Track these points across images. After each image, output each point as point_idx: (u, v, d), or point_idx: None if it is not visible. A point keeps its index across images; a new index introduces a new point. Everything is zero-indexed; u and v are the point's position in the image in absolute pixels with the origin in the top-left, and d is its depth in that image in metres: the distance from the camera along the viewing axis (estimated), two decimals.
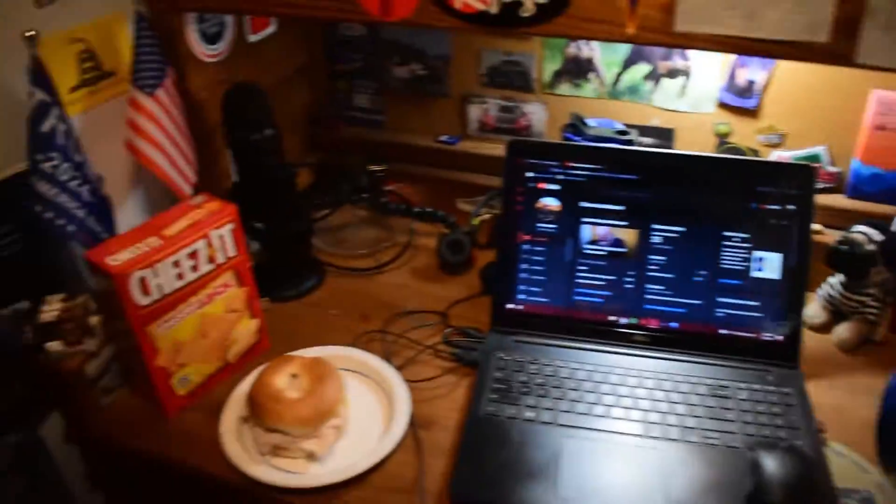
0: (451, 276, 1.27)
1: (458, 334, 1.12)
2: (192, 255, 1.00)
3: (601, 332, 1.10)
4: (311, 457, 0.94)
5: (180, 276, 0.98)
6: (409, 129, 1.47)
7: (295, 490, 0.90)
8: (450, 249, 1.25)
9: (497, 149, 1.38)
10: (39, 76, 0.92)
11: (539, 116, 1.38)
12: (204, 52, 1.14)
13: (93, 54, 1.06)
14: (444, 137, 1.43)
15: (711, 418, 1.00)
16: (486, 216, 1.34)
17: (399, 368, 1.05)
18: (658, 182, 1.11)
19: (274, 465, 0.93)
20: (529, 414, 1.01)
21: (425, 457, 0.93)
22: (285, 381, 0.97)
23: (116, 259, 0.94)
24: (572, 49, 1.30)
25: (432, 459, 0.92)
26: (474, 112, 1.41)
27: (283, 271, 1.21)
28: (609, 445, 0.95)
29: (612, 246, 1.13)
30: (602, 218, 1.13)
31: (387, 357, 1.09)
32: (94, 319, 1.01)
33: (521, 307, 1.17)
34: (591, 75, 1.32)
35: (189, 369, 1.02)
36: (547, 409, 1.01)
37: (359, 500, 0.90)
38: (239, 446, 0.96)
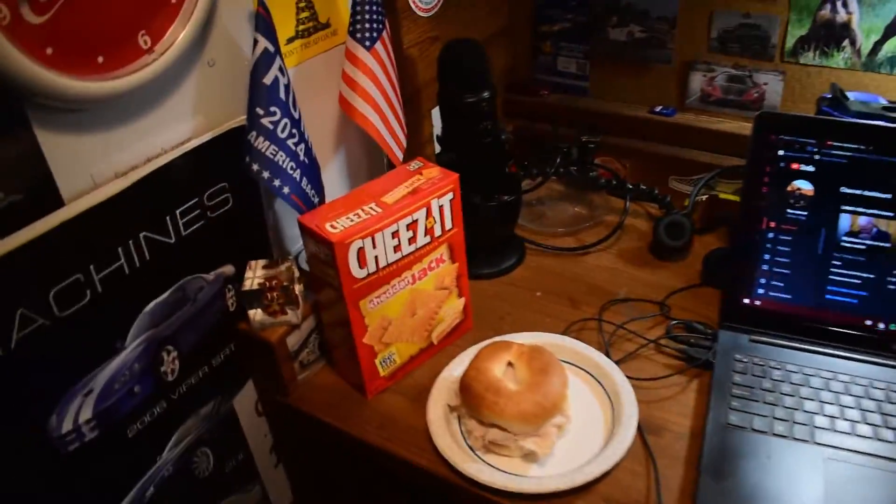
0: (665, 262, 1.16)
1: (683, 329, 1.01)
2: (411, 225, 0.91)
3: (855, 338, 0.97)
4: (529, 457, 0.86)
5: (397, 249, 0.90)
6: (618, 98, 1.34)
7: (514, 494, 0.81)
8: (668, 232, 1.13)
9: (721, 123, 1.24)
10: (264, 23, 0.85)
11: (774, 88, 1.22)
12: (420, 4, 1.05)
13: (310, 3, 0.98)
14: (659, 108, 1.29)
15: None
16: (703, 198, 1.19)
17: (618, 363, 0.95)
18: None
19: (489, 463, 0.85)
20: (780, 428, 0.88)
21: (660, 467, 0.83)
22: (502, 369, 0.89)
23: (335, 226, 0.86)
24: (825, 11, 1.13)
25: (666, 471, 0.83)
26: (697, 81, 1.26)
27: (483, 246, 1.12)
28: (880, 472, 0.82)
29: (874, 239, 0.98)
30: (865, 206, 0.97)
31: (606, 350, 0.98)
32: (298, 289, 0.95)
33: (758, 303, 1.03)
34: (844, 43, 1.14)
35: (393, 349, 0.95)
36: (801, 423, 0.88)
37: None
38: (449, 438, 0.88)
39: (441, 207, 0.93)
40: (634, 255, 1.18)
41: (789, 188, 1.00)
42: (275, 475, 1.12)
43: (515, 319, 1.05)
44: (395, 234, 0.88)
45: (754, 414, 0.88)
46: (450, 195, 0.94)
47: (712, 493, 0.80)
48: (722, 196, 1.17)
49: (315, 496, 1.17)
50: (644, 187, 1.19)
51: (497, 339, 0.97)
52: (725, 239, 1.17)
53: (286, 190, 0.91)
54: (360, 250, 0.85)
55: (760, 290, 1.03)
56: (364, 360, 0.92)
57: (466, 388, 0.87)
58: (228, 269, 0.97)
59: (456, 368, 0.95)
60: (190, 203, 0.88)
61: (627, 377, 0.92)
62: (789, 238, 1.01)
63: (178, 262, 0.88)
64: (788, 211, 1.01)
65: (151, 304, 0.85)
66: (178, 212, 0.86)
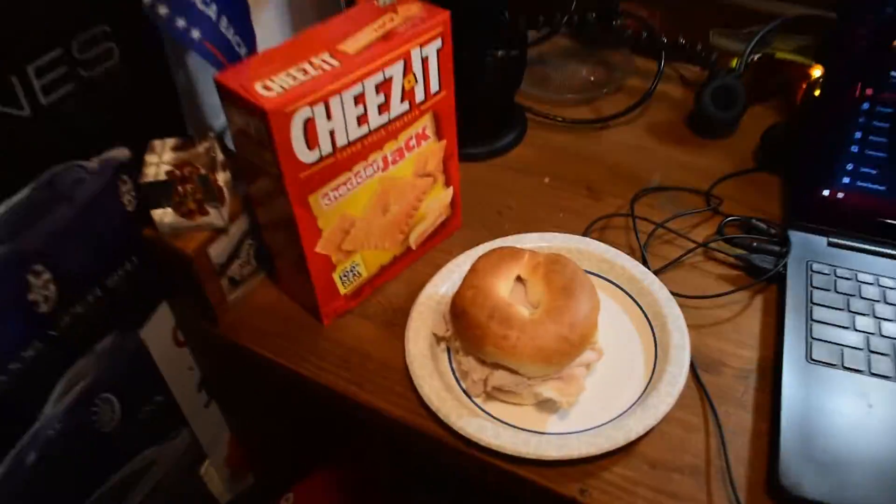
0: (708, 141, 0.97)
1: (740, 228, 0.84)
2: (383, 86, 0.66)
3: None
4: (547, 405, 0.69)
5: (363, 121, 0.67)
6: None
7: (528, 461, 0.65)
8: (715, 101, 0.94)
9: None
10: None
11: None
12: None
13: None
14: None
15: None
16: (755, 57, 0.97)
17: (657, 274, 0.78)
18: None
19: (492, 416, 0.69)
20: (882, 366, 0.69)
21: (721, 417, 0.68)
22: (509, 287, 0.71)
23: (270, 88, 0.61)
24: None
25: (730, 422, 0.68)
26: None
27: (474, 117, 0.92)
28: None
29: None
30: None
31: (642, 256, 0.82)
32: (222, 178, 0.72)
33: (841, 196, 0.82)
34: None
35: (358, 258, 0.76)
36: None
37: (624, 483, 0.65)
38: (438, 381, 0.70)
39: (425, 61, 0.68)
40: (668, 130, 1.00)
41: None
42: (206, 416, 0.93)
43: (518, 215, 0.88)
44: (358, 100, 0.65)
45: (845, 346, 0.70)
46: (437, 42, 0.68)
47: (797, 456, 0.63)
48: (780, 56, 0.98)
49: (262, 435, 1.02)
50: (683, 41, 0.96)
51: (499, 243, 0.80)
52: (783, 111, 0.99)
53: (195, 34, 0.65)
54: (309, 123, 0.62)
55: (845, 180, 0.82)
56: (317, 274, 0.73)
57: (462, 315, 0.68)
58: (121, 152, 0.72)
59: (443, 284, 0.78)
60: (50, 56, 0.61)
61: (673, 293, 0.75)
62: (891, 111, 0.77)
63: (38, 144, 0.62)
64: (894, 74, 0.76)
65: (1, 208, 0.59)
66: (30, 69, 0.59)
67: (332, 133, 0.65)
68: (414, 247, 0.82)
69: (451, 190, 0.82)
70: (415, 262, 0.83)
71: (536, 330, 0.66)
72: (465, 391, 0.70)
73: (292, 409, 0.98)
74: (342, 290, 0.76)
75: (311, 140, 0.63)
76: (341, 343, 0.76)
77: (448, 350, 0.73)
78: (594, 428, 0.66)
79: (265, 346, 0.76)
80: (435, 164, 0.77)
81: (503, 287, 0.69)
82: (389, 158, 0.72)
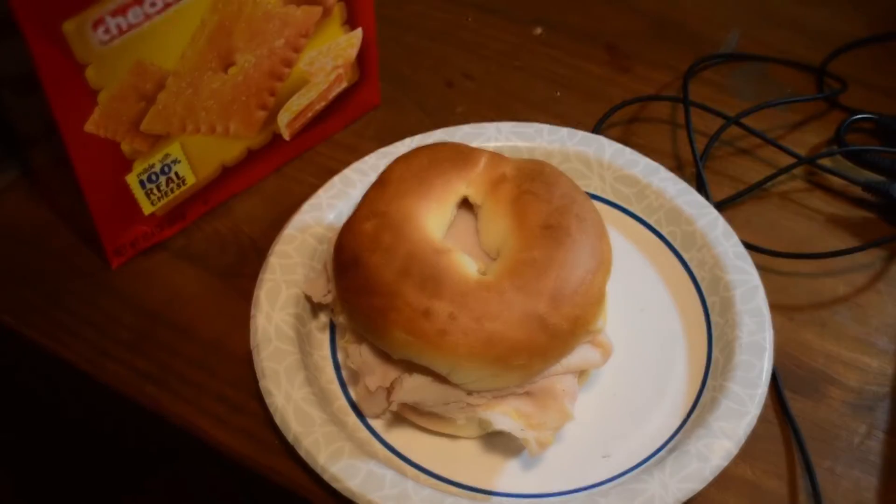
0: None
1: (872, 134, 0.81)
2: None
3: None
4: (500, 444, 0.64)
5: None
6: None
7: None
8: None
9: None
10: None
11: None
12: None
13: None
14: None
15: None
16: None
17: (720, 207, 0.76)
18: None
19: (405, 457, 0.63)
20: None
21: (819, 488, 0.62)
22: (446, 220, 0.64)
23: None
24: None
25: (830, 486, 0.62)
26: None
27: None
28: None
29: None
30: None
31: (698, 174, 0.78)
32: None
33: None
34: None
35: (176, 150, 0.71)
36: None
37: None
38: (305, 390, 0.63)
39: None
40: None
41: None
42: None
43: (483, 89, 0.86)
44: None
45: None
46: None
47: None
48: None
49: (32, 458, 1.01)
50: None
51: (441, 137, 0.76)
52: None
53: None
54: None
55: None
56: (92, 177, 0.67)
57: (352, 267, 0.61)
58: None
59: (333, 204, 0.73)
60: None
61: (747, 246, 0.70)
62: None
63: None
64: None
65: None
66: None
67: None
68: (286, 136, 0.78)
69: (357, 34, 0.77)
70: (289, 165, 0.80)
71: (488, 303, 0.57)
72: (354, 407, 0.64)
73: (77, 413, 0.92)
74: (146, 208, 0.71)
75: None
76: (141, 305, 0.70)
77: (332, 328, 0.68)
78: (584, 489, 0.60)
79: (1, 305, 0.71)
80: None
81: (434, 218, 0.63)
82: None
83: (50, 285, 0.71)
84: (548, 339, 0.57)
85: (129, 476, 1.04)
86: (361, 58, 0.79)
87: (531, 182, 0.62)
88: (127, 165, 0.67)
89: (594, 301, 0.59)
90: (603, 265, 0.60)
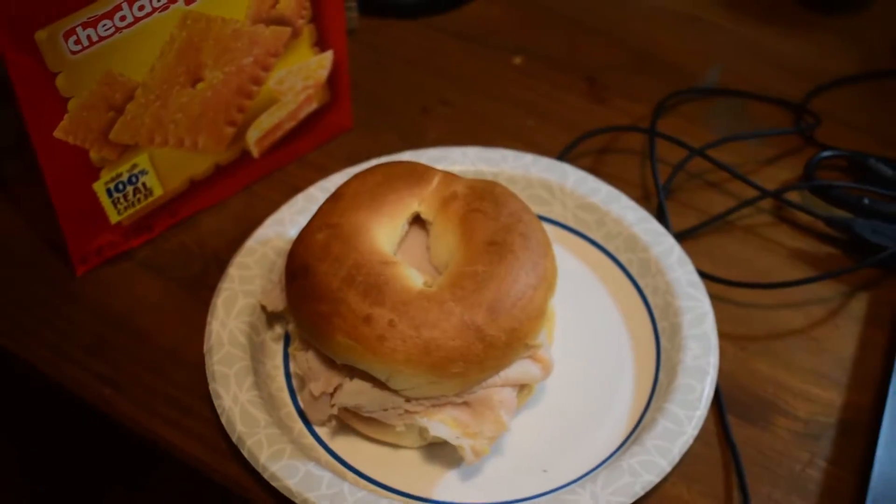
0: (818, 17, 1.02)
1: (842, 171, 0.87)
2: None
3: None
4: (439, 454, 0.69)
5: None
6: None
7: None
8: None
9: None
10: None
11: None
12: None
13: None
14: None
15: None
16: None
17: (681, 238, 0.81)
18: None
19: (344, 462, 0.69)
20: None
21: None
22: (398, 233, 0.71)
23: None
24: None
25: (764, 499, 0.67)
26: None
27: None
28: None
29: None
30: None
31: (659, 204, 0.83)
32: None
33: None
34: None
35: (144, 161, 0.77)
36: None
37: None
38: (252, 393, 0.69)
39: None
40: None
41: None
42: None
43: (458, 115, 0.92)
44: None
45: None
46: None
47: None
48: None
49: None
50: None
51: (407, 157, 0.82)
52: None
53: None
54: None
55: None
56: (60, 183, 0.74)
57: (302, 274, 0.68)
58: None
59: (296, 219, 0.80)
60: None
61: (702, 274, 0.76)
62: None
63: None
64: None
65: None
66: None
67: None
68: (255, 153, 0.83)
69: (328, 56, 0.83)
70: (257, 183, 0.85)
71: (427, 312, 0.63)
72: (301, 414, 0.71)
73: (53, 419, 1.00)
74: (113, 217, 0.77)
75: None
76: (102, 311, 0.76)
77: (287, 340, 0.75)
78: (519, 501, 0.65)
79: None
80: (293, 1, 0.77)
81: (385, 232, 0.69)
82: None
83: (16, 291, 0.77)
84: (484, 349, 0.63)
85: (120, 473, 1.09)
86: (332, 80, 0.84)
87: (480, 201, 0.68)
88: (95, 173, 0.73)
89: (533, 315, 0.65)
90: (545, 281, 0.66)
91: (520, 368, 0.67)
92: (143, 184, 0.77)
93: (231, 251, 0.77)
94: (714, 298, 0.74)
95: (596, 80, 0.94)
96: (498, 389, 0.66)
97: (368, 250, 0.66)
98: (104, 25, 0.68)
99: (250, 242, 0.76)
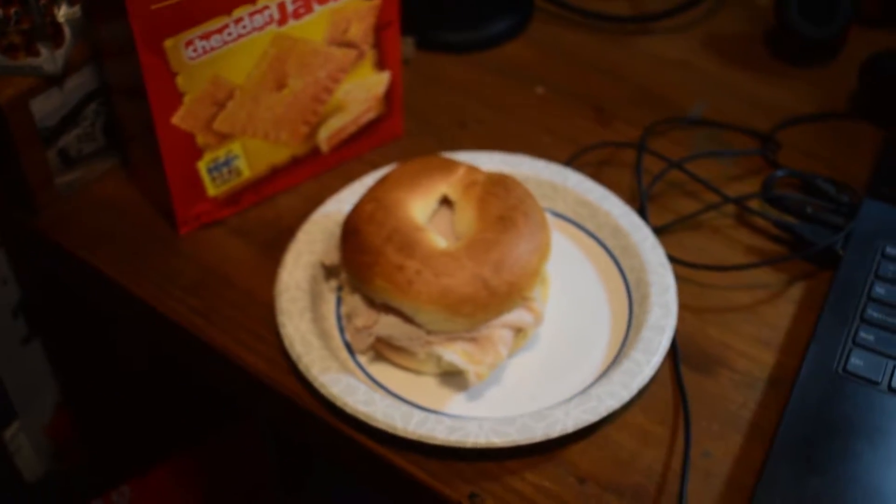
0: (789, 68, 1.07)
1: (797, 187, 0.90)
2: None
3: None
4: (451, 380, 0.76)
5: None
6: None
7: (410, 443, 0.70)
8: (805, 13, 1.01)
9: None
10: None
11: None
12: None
13: None
14: None
15: None
16: None
17: (659, 231, 0.86)
18: None
19: (376, 381, 0.76)
20: None
21: (696, 433, 0.73)
22: (430, 208, 0.78)
23: None
24: None
25: (708, 441, 0.73)
26: None
27: None
28: None
29: None
30: None
31: (641, 204, 0.89)
32: (64, 12, 0.80)
33: None
34: None
35: (237, 148, 0.84)
36: None
37: (534, 495, 0.70)
38: (309, 326, 0.77)
39: None
40: (734, 45, 1.09)
41: None
42: (23, 357, 0.99)
43: (489, 131, 0.97)
44: None
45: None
46: None
47: (790, 495, 0.67)
48: None
49: (99, 398, 1.10)
50: None
51: (439, 155, 0.85)
52: None
53: None
54: None
55: None
56: (173, 158, 0.80)
57: (353, 235, 0.75)
58: None
59: (353, 200, 0.85)
60: None
61: (671, 258, 0.82)
62: None
63: None
64: None
65: None
66: None
67: None
68: (325, 149, 0.89)
69: (385, 75, 0.89)
70: (325, 174, 0.90)
71: (446, 264, 0.71)
72: (347, 345, 0.78)
73: (143, 364, 1.08)
74: (210, 191, 0.84)
75: None
76: (198, 262, 0.83)
77: (339, 289, 0.81)
78: (506, 417, 0.72)
79: (96, 253, 0.84)
80: (361, 30, 0.84)
81: (419, 207, 0.76)
82: (289, 8, 0.78)
83: (134, 245, 0.85)
84: (488, 296, 0.71)
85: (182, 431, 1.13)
86: (388, 95, 0.90)
87: (495, 186, 0.76)
88: (199, 154, 0.81)
89: (530, 274, 0.73)
90: (540, 248, 0.74)
91: (517, 315, 0.74)
92: (235, 166, 0.84)
93: (300, 223, 0.83)
94: (679, 279, 0.80)
95: (602, 108, 0.99)
96: (499, 329, 0.73)
97: (405, 219, 0.73)
98: (216, 39, 0.76)
99: (315, 215, 0.83)
